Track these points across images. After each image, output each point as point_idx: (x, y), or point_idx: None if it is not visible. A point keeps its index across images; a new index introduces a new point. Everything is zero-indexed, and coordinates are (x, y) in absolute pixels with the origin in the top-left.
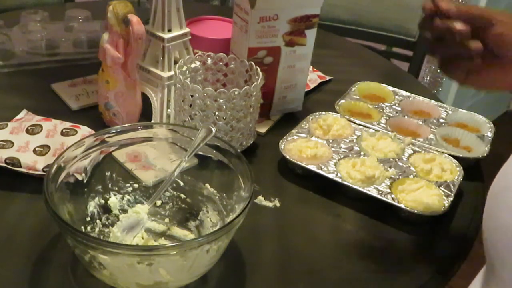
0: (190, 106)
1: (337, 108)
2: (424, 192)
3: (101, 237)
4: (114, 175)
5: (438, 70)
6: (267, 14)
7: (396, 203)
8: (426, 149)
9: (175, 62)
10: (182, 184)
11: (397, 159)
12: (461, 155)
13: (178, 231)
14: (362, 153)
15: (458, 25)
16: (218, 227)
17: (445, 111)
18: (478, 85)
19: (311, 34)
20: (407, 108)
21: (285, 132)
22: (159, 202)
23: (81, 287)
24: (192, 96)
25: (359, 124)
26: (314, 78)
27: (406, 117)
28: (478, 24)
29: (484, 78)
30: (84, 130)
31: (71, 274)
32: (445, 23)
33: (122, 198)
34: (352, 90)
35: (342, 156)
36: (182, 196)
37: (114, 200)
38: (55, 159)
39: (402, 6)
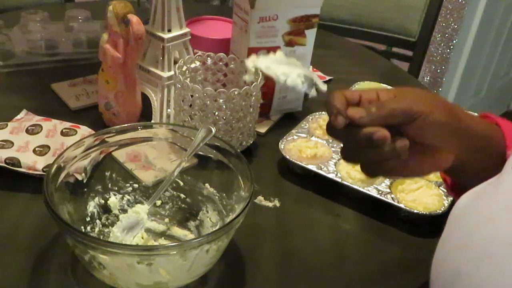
0: (190, 106)
1: None
2: (424, 192)
3: (101, 237)
4: (114, 175)
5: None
6: (267, 14)
7: (396, 203)
8: None
9: (175, 62)
10: (182, 184)
11: None
12: None
13: (178, 231)
14: None
15: (378, 135)
16: (218, 227)
17: None
18: (405, 176)
19: (311, 34)
20: None
21: (285, 132)
22: (159, 202)
23: (81, 287)
24: (192, 96)
25: None
26: None
27: None
28: (396, 122)
29: (409, 167)
30: (84, 130)
31: (71, 274)
32: (361, 133)
33: (122, 198)
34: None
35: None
36: (182, 196)
37: (114, 200)
38: (55, 159)
39: (402, 6)
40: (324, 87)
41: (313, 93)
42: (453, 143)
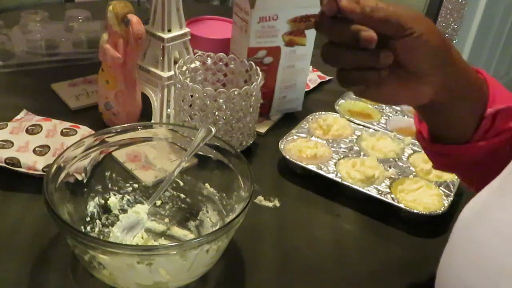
0: (190, 106)
1: (337, 108)
2: (424, 192)
3: (101, 237)
4: (114, 175)
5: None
6: (267, 14)
7: (396, 203)
8: None
9: (175, 62)
10: (182, 184)
11: (396, 159)
12: None
13: (178, 231)
14: (362, 153)
15: (365, 34)
16: (218, 227)
17: None
18: (376, 99)
19: (311, 34)
20: (407, 108)
21: (285, 132)
22: (159, 202)
23: (81, 287)
24: (192, 96)
25: (359, 124)
26: (314, 78)
27: (406, 117)
28: (387, 31)
29: (384, 91)
30: (84, 130)
31: (71, 274)
32: (348, 29)
33: (122, 198)
34: None
35: (342, 156)
36: (182, 196)
37: (114, 200)
38: (55, 159)
39: None
40: None
41: None
42: (437, 76)
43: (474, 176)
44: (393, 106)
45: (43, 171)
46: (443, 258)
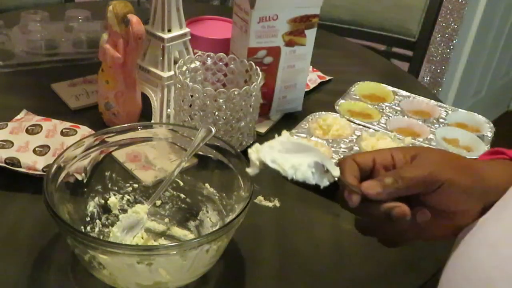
0: (190, 106)
1: (337, 108)
2: None
3: (101, 237)
4: (114, 175)
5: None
6: (267, 14)
7: None
8: None
9: (175, 62)
10: (182, 184)
11: None
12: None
13: (178, 231)
14: None
15: (397, 211)
16: (218, 227)
17: (445, 111)
18: (425, 239)
19: (311, 34)
20: (407, 108)
21: None
22: (158, 202)
23: (81, 287)
24: (191, 96)
25: (359, 124)
26: (314, 78)
27: (406, 117)
28: (415, 193)
29: (429, 234)
30: (84, 130)
31: (71, 274)
32: (379, 210)
33: (122, 198)
34: (352, 90)
35: (342, 156)
36: (182, 196)
37: (114, 200)
38: (55, 159)
39: (402, 6)
40: (336, 172)
41: (325, 183)
42: (476, 207)
43: None
44: (393, 106)
45: (43, 171)
46: (443, 276)
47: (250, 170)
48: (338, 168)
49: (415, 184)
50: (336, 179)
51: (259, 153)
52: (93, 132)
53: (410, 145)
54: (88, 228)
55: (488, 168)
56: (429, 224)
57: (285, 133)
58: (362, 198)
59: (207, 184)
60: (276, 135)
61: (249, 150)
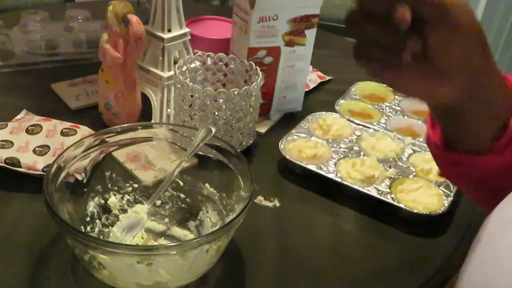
0: (190, 106)
1: (337, 108)
2: (424, 192)
3: (101, 237)
4: (114, 175)
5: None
6: (267, 14)
7: (396, 203)
8: (426, 149)
9: (175, 62)
10: (181, 184)
11: (397, 159)
12: None
13: (178, 231)
14: (362, 153)
15: (398, 12)
16: (218, 227)
17: None
18: (391, 84)
19: (311, 34)
20: (407, 108)
21: (285, 132)
22: (158, 202)
23: (81, 287)
24: (191, 96)
25: (359, 124)
26: (314, 78)
27: (406, 117)
28: (424, 11)
29: (401, 79)
30: (84, 130)
31: (71, 274)
32: (386, 3)
33: (122, 198)
34: (352, 90)
35: (342, 156)
36: (182, 196)
37: (114, 200)
38: (55, 159)
39: None
40: None
41: None
42: (464, 78)
43: (482, 193)
44: (393, 106)
45: (43, 171)
46: (463, 276)
47: None
48: None
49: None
50: None
51: None
52: (93, 132)
53: (410, 145)
54: (88, 228)
55: (492, 56)
56: (407, 68)
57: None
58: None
59: (207, 184)
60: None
61: None
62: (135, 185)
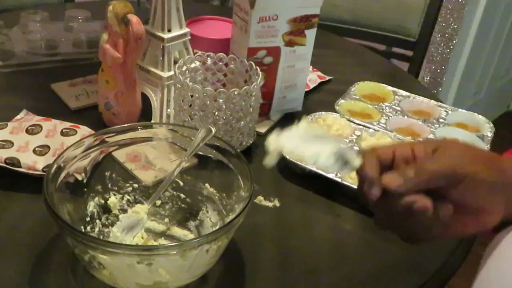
0: (190, 106)
1: (337, 108)
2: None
3: (101, 237)
4: (114, 175)
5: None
6: (267, 14)
7: None
8: None
9: (175, 62)
10: (181, 184)
11: None
12: None
13: (178, 231)
14: None
15: (418, 205)
16: (217, 227)
17: (445, 111)
18: (447, 236)
19: (311, 34)
20: (407, 108)
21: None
22: (158, 202)
23: (81, 287)
24: (191, 96)
25: (359, 124)
26: (314, 78)
27: (406, 117)
28: (438, 185)
29: (455, 230)
30: (84, 130)
31: (71, 274)
32: (400, 203)
33: (122, 198)
34: (352, 90)
35: None
36: (182, 196)
37: (113, 200)
38: (55, 159)
39: (402, 6)
40: (356, 162)
41: (345, 171)
42: (500, 202)
43: None
44: (393, 106)
45: (43, 171)
46: (478, 281)
47: (267, 161)
48: (358, 159)
49: (438, 176)
50: (356, 170)
51: (277, 143)
52: (93, 132)
53: None
54: (88, 228)
55: (509, 164)
56: (452, 220)
57: (304, 120)
58: (382, 192)
59: (207, 184)
60: (296, 122)
61: (268, 140)
62: (135, 185)
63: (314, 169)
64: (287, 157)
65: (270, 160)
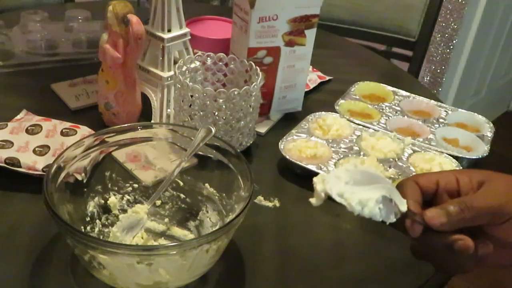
0: (190, 106)
1: (337, 108)
2: None
3: (101, 237)
4: (113, 175)
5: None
6: (266, 14)
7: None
8: (426, 149)
9: (175, 62)
10: (181, 184)
11: (396, 159)
12: (460, 155)
13: (177, 231)
14: (361, 153)
15: (460, 244)
16: (217, 227)
17: (445, 111)
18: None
19: (311, 34)
20: (407, 108)
21: (285, 132)
22: (158, 202)
23: (81, 287)
24: (191, 96)
25: (358, 124)
26: (314, 78)
27: (406, 117)
28: (481, 223)
29: (487, 264)
30: (84, 130)
31: (71, 274)
32: (441, 240)
33: (122, 198)
34: (352, 90)
35: (341, 156)
36: (182, 196)
37: (113, 200)
38: (55, 159)
39: (402, 6)
40: (404, 207)
41: (391, 219)
42: None
43: None
44: (393, 106)
45: (43, 171)
46: None
47: (314, 201)
48: (405, 202)
49: (483, 215)
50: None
51: (325, 184)
52: (93, 132)
53: (410, 145)
54: (88, 228)
55: None
56: (489, 255)
57: (352, 160)
58: (425, 227)
59: (207, 184)
60: (343, 164)
61: (315, 180)
62: (135, 185)
63: (314, 169)
64: (287, 157)
65: (317, 201)
